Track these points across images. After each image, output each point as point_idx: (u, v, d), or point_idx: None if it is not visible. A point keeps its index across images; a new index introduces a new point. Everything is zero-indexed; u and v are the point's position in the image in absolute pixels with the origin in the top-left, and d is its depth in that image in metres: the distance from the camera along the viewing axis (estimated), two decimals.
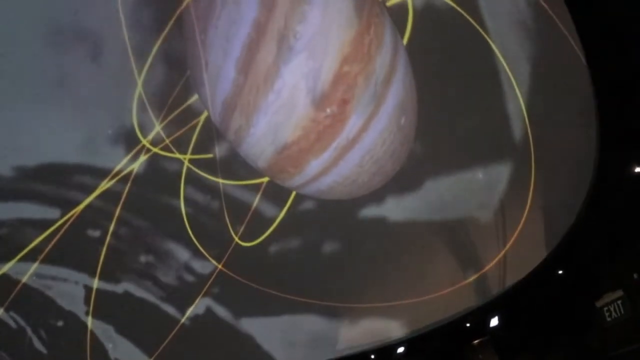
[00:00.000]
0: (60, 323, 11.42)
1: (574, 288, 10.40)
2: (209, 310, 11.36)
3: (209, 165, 9.26)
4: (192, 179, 9.55)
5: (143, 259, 10.85)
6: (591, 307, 10.02)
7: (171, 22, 7.29)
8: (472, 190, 9.37)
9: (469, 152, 8.97)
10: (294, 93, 5.44)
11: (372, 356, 12.60)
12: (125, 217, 9.84)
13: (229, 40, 5.35)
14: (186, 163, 9.38)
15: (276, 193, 9.67)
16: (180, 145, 9.02)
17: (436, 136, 8.54)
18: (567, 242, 9.11)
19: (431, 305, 10.75)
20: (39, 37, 7.25)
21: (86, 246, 10.19)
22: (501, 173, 9.13)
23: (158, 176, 9.40)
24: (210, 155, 9.11)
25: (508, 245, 9.72)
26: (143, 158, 9.01)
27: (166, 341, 11.35)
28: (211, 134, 8.33)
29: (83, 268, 10.63)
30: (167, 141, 8.85)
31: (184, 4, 6.35)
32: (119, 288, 11.01)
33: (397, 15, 7.33)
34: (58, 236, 9.50)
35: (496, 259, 10.05)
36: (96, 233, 10.01)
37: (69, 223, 9.44)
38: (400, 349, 12.26)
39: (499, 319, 11.41)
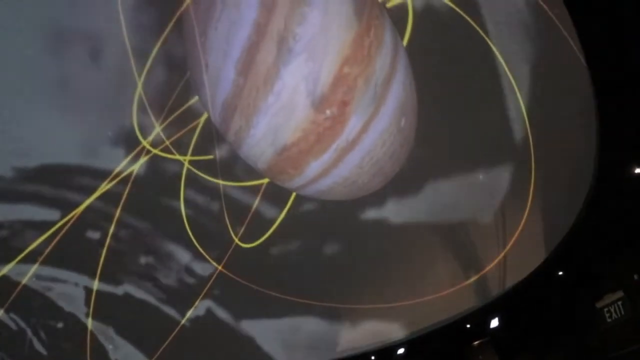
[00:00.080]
0: (60, 324, 11.38)
1: (574, 289, 10.42)
2: (209, 312, 11.34)
3: (209, 167, 9.25)
4: (192, 180, 9.54)
5: (143, 260, 10.83)
6: (591, 308, 10.03)
7: (171, 24, 7.29)
8: (472, 191, 9.35)
9: (469, 153, 8.96)
10: (293, 95, 5.44)
11: (373, 357, 12.58)
12: (125, 219, 9.83)
13: (229, 41, 5.35)
14: (186, 164, 9.38)
15: (276, 194, 9.65)
16: (181, 146, 9.01)
17: (436, 137, 8.53)
18: (567, 243, 9.10)
19: (431, 306, 10.72)
20: (39, 38, 7.26)
21: (86, 248, 10.16)
22: (501, 174, 9.13)
23: (158, 177, 9.39)
24: (210, 157, 9.11)
25: (508, 246, 9.71)
26: (143, 159, 9.00)
27: (166, 343, 11.33)
28: (211, 135, 8.31)
29: (83, 269, 10.61)
30: (167, 142, 8.84)
31: (184, 5, 6.36)
32: (119, 290, 10.98)
33: (397, 17, 7.31)
34: (58, 238, 9.48)
35: (496, 260, 10.03)
36: (96, 234, 9.99)
37: (69, 224, 9.43)
38: (401, 350, 12.26)
39: (499, 320, 11.43)
